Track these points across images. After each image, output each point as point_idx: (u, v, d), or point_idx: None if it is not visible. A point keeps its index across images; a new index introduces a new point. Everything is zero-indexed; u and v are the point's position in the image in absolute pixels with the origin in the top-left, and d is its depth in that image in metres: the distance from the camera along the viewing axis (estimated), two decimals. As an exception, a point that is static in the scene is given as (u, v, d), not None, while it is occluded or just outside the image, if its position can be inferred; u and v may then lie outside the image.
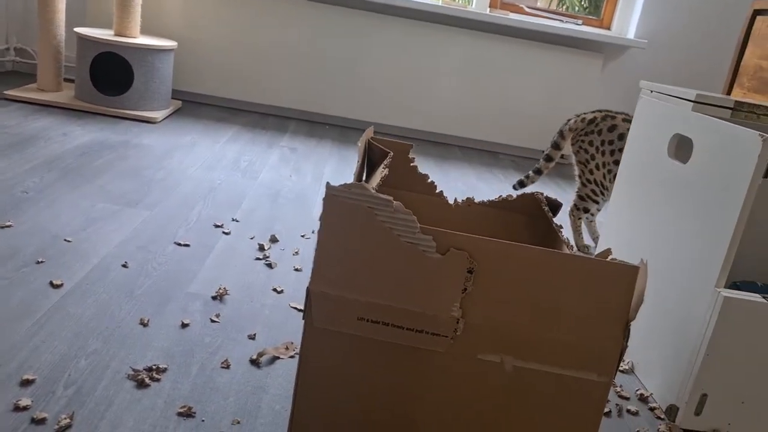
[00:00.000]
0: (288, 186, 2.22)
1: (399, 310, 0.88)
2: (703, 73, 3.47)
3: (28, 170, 1.91)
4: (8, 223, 1.54)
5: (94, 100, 2.74)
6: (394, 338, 0.89)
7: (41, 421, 0.94)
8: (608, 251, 0.89)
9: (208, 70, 3.22)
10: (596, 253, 1.03)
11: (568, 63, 3.31)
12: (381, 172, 1.10)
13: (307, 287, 0.89)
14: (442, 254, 0.86)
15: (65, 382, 1.03)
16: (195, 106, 3.22)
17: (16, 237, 1.48)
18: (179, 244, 1.61)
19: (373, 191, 0.86)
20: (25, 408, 0.96)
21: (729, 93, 3.29)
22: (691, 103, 1.36)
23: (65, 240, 1.51)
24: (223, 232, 1.73)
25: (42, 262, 1.39)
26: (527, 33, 3.37)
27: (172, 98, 3.25)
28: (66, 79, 3.22)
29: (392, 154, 1.23)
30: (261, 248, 1.67)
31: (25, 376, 1.02)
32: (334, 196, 0.86)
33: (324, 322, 0.90)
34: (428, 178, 1.32)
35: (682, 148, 1.39)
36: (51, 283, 1.31)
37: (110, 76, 2.78)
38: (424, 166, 2.83)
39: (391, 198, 0.85)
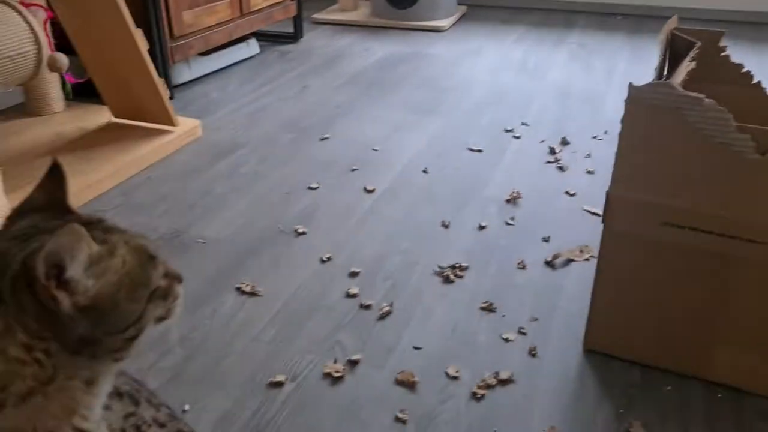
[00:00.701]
0: (578, 86, 2.15)
1: (709, 216, 0.83)
2: None
3: (338, 86, 2.13)
4: (326, 136, 1.75)
5: (387, 15, 2.90)
6: (703, 244, 0.85)
7: (368, 307, 1.09)
8: None
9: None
10: None
11: None
12: (687, 66, 1.01)
13: (607, 191, 0.88)
14: (762, 154, 0.78)
15: (383, 275, 1.18)
16: (480, 9, 3.23)
17: (333, 148, 1.69)
18: (472, 150, 1.68)
19: (681, 89, 0.80)
20: (354, 295, 1.12)
21: None
22: None
23: (373, 149, 1.68)
24: (513, 137, 1.76)
25: (356, 169, 1.57)
26: None
27: (458, 4, 3.29)
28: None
29: (699, 44, 1.12)
30: (552, 151, 1.67)
31: (352, 269, 1.19)
32: (637, 96, 0.83)
33: (625, 226, 0.89)
34: (743, 67, 1.18)
35: None
36: (365, 188, 1.48)
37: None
38: (736, 51, 2.50)
39: (701, 95, 0.79)
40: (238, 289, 1.14)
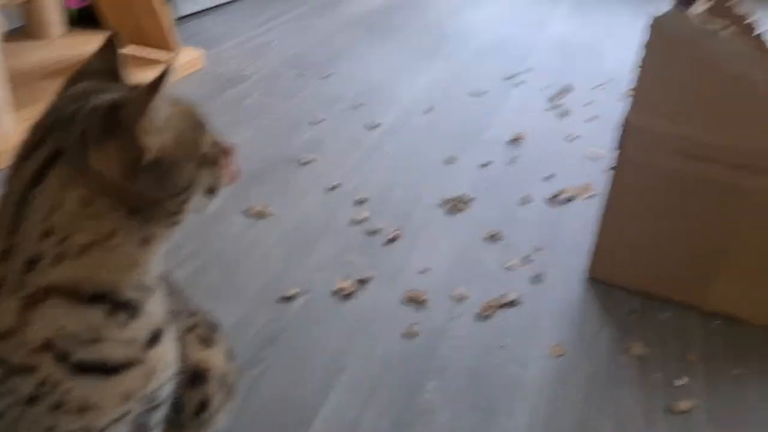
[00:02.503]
0: (579, 37, 2.16)
1: (722, 146, 0.86)
2: None
3: (341, 27, 2.11)
4: (331, 72, 1.75)
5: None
6: (713, 174, 0.88)
7: (376, 232, 1.12)
8: None
9: None
10: None
11: None
12: (704, 3, 1.03)
13: (626, 117, 0.90)
14: (777, 85, 0.80)
15: (390, 204, 1.20)
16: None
17: (337, 84, 1.69)
18: (474, 94, 1.69)
19: (701, 19, 0.82)
20: (363, 220, 1.14)
21: None
22: None
23: (377, 87, 1.68)
24: (516, 83, 1.77)
25: (360, 105, 1.58)
26: None
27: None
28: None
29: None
30: (553, 98, 1.68)
31: (359, 197, 1.21)
32: (657, 25, 0.84)
33: (638, 155, 0.91)
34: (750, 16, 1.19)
35: None
36: (369, 124, 1.49)
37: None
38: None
39: (719, 27, 0.81)
40: (246, 211, 1.15)
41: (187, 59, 1.69)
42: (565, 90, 1.73)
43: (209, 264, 1.02)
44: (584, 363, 0.88)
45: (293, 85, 1.66)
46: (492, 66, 1.87)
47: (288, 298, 0.96)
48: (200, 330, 0.61)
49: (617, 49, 2.05)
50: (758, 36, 1.20)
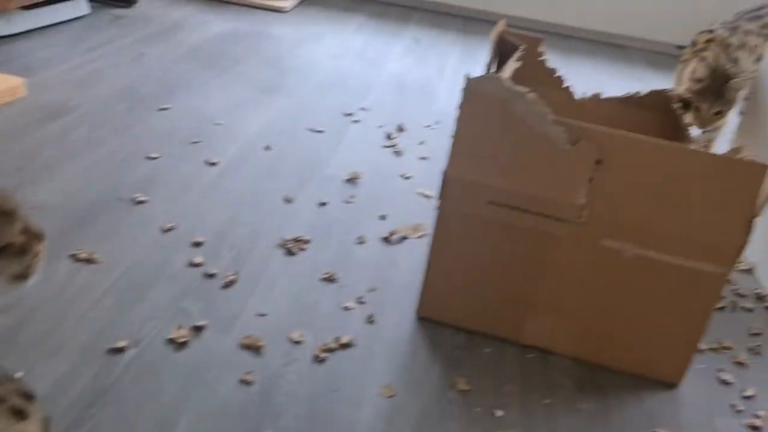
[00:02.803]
0: (413, 77, 2.28)
1: (528, 196, 0.95)
2: None
3: (177, 57, 2.07)
4: (166, 106, 1.71)
5: (228, -11, 2.85)
6: (522, 222, 0.97)
7: (212, 276, 1.11)
8: (740, 148, 0.91)
9: (334, -41, 3.23)
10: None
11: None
12: (513, 65, 1.14)
13: (444, 171, 0.97)
14: (572, 145, 0.91)
15: (228, 245, 1.20)
16: (321, -5, 3.28)
17: (173, 119, 1.65)
18: (314, 131, 1.73)
19: (509, 83, 0.91)
20: (198, 264, 1.13)
21: None
22: None
23: (215, 123, 1.67)
24: (353, 120, 1.83)
25: (198, 142, 1.56)
26: None
27: (299, -13, 3.31)
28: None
29: (524, 47, 1.26)
30: (388, 137, 1.76)
31: (196, 239, 1.19)
32: (472, 87, 0.92)
33: (457, 204, 0.99)
34: (557, 71, 1.34)
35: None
36: (207, 161, 1.48)
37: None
38: (550, 59, 2.78)
39: (525, 90, 0.90)
40: (73, 256, 1.10)
41: (4, 87, 1.58)
42: (400, 129, 1.82)
43: (31, 315, 0.96)
44: (415, 401, 0.93)
45: (125, 119, 1.61)
46: (331, 102, 1.93)
47: (117, 350, 0.93)
48: (12, 401, 0.58)
49: (448, 90, 2.19)
50: (567, 88, 1.35)
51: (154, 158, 1.45)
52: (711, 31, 1.72)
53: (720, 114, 1.56)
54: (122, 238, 1.17)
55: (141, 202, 1.28)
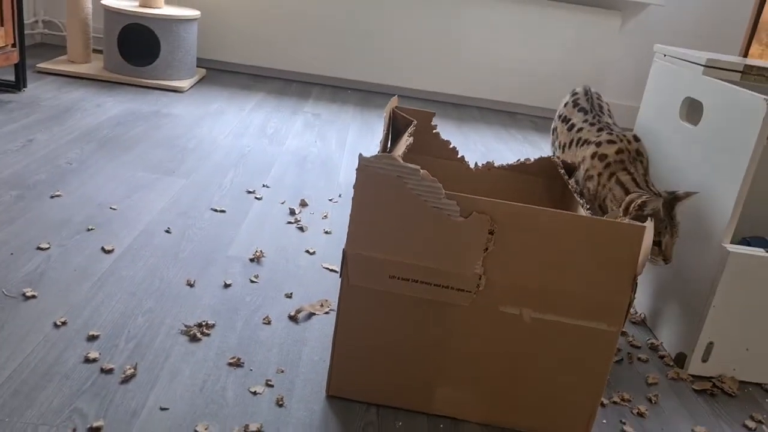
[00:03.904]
0: (314, 152, 2.31)
1: (427, 269, 0.98)
2: (722, 30, 3.46)
3: (69, 142, 2.02)
4: (58, 193, 1.65)
5: (122, 70, 2.83)
6: (423, 294, 0.99)
7: (109, 371, 1.06)
8: (617, 213, 0.97)
9: (231, 38, 3.28)
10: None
11: (586, 21, 3.32)
12: (406, 141, 1.18)
13: (343, 249, 0.98)
14: (465, 217, 0.95)
15: (126, 336, 1.15)
16: (219, 73, 3.30)
17: (66, 206, 1.59)
18: (216, 210, 1.71)
19: (401, 161, 0.94)
20: (94, 360, 1.07)
21: (747, 49, 3.29)
22: (702, 67, 1.42)
23: (111, 208, 1.62)
24: (255, 198, 1.83)
25: (92, 229, 1.51)
26: (545, -8, 3.38)
27: (197, 66, 3.32)
28: (93, 50, 3.31)
29: (416, 122, 1.31)
30: (292, 212, 1.77)
31: (91, 332, 1.14)
32: (366, 166, 0.95)
33: (359, 280, 1.00)
34: (450, 143, 1.40)
35: (693, 110, 1.45)
36: (103, 249, 1.43)
37: (137, 46, 2.86)
38: (444, 127, 2.90)
39: (418, 167, 0.94)
40: (-47, 362, 1.02)
41: None
42: (303, 203, 1.83)
43: None
44: (327, 485, 0.91)
45: (13, 209, 1.54)
46: (233, 180, 1.92)
47: (4, 463, 0.86)
48: None
49: (348, 162, 2.24)
50: (461, 159, 1.41)
51: (45, 248, 1.38)
52: (589, 140, 1.50)
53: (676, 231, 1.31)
54: (8, 337, 1.10)
55: (30, 297, 1.21)
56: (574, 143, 1.55)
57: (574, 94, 1.68)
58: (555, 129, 1.68)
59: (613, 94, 3.56)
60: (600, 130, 1.51)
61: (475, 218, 0.95)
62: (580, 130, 1.56)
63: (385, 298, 1.00)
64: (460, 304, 0.99)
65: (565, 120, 1.64)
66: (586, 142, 1.51)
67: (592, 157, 1.45)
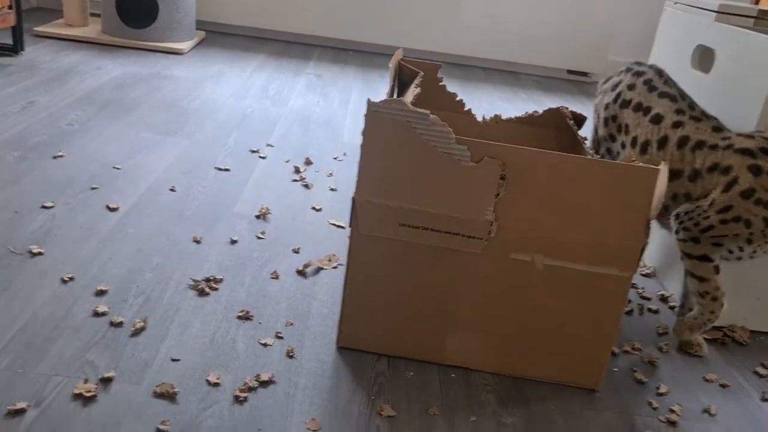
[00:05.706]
0: (317, 112, 2.29)
1: (437, 216, 0.96)
2: (730, -16, 3.40)
3: (70, 104, 1.99)
4: (60, 154, 1.63)
5: (121, 33, 2.78)
6: (433, 241, 0.98)
7: (119, 324, 1.05)
8: (632, 155, 0.96)
9: (230, 0, 3.23)
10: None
11: (591, -22, 3.26)
12: (413, 91, 1.16)
13: (353, 197, 0.97)
14: (476, 162, 0.93)
15: (135, 291, 1.14)
16: (219, 36, 3.25)
17: (69, 166, 1.58)
18: (220, 169, 1.69)
19: (411, 106, 0.92)
20: (103, 314, 1.07)
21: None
22: (714, 13, 1.39)
23: (115, 167, 1.61)
24: (260, 157, 1.81)
25: (96, 188, 1.49)
26: (549, -52, 3.31)
27: (196, 29, 3.28)
28: (90, 14, 3.26)
29: (422, 73, 1.29)
30: (297, 170, 1.75)
31: (99, 287, 1.13)
32: (375, 111, 0.93)
33: (369, 229, 0.98)
34: (457, 96, 1.37)
35: (704, 58, 1.42)
36: (108, 207, 1.42)
37: (135, 9, 2.82)
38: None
39: (428, 112, 0.92)
40: (-38, 317, 1.02)
41: None
42: (308, 162, 1.82)
43: None
44: (340, 432, 0.91)
45: (16, 169, 1.52)
46: (236, 140, 1.90)
47: (17, 412, 0.86)
48: None
49: (352, 122, 2.21)
50: (467, 111, 1.38)
51: (50, 207, 1.37)
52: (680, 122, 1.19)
53: None
54: (17, 293, 1.09)
55: (37, 254, 1.20)
56: (672, 143, 1.17)
57: (639, 74, 1.29)
58: (615, 116, 1.29)
59: (621, 52, 3.51)
60: (717, 129, 1.16)
61: (487, 163, 0.93)
62: (678, 125, 1.18)
63: (396, 246, 0.99)
64: (471, 251, 0.98)
65: (638, 108, 1.24)
66: (704, 144, 1.15)
67: (753, 172, 1.08)
